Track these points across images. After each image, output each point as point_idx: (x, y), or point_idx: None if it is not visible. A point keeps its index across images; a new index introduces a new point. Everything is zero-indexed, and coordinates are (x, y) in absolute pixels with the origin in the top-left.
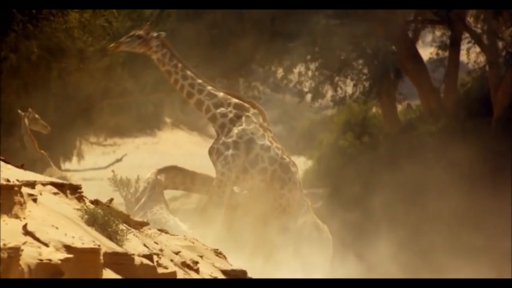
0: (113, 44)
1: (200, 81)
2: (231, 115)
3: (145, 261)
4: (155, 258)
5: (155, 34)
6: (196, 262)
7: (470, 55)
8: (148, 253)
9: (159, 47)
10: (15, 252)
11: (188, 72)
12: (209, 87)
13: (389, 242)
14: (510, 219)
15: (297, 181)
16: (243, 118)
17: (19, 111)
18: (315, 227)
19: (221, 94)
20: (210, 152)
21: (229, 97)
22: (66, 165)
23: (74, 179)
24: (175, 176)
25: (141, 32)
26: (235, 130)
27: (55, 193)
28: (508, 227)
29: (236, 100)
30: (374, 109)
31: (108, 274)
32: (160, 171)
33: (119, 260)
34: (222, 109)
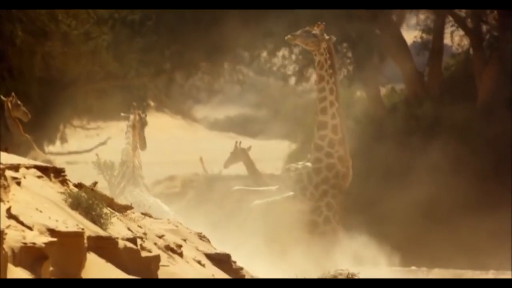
0: (289, 36)
1: (337, 105)
2: (336, 155)
3: (129, 244)
4: (138, 241)
5: (327, 37)
6: (180, 246)
7: (454, 38)
8: (131, 236)
9: (325, 50)
10: None
11: (336, 90)
12: (339, 119)
13: (369, 224)
14: (494, 199)
15: None
16: None
17: (1, 96)
18: None
19: (340, 135)
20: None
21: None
22: (49, 149)
23: (58, 162)
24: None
25: (317, 32)
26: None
27: (39, 177)
28: (494, 207)
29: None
30: (358, 93)
31: (92, 257)
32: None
33: (103, 243)
34: (336, 148)
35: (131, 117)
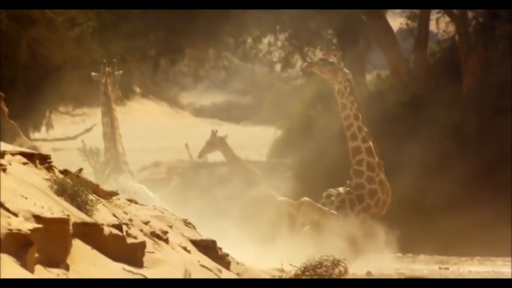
0: (306, 64)
1: (366, 130)
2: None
3: (114, 231)
4: (124, 228)
5: (346, 71)
6: (166, 232)
7: (440, 25)
8: (117, 223)
9: (343, 78)
10: None
11: (360, 116)
12: (370, 142)
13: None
14: (478, 185)
15: None
16: None
17: None
18: None
19: (376, 159)
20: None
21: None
22: (35, 135)
23: (44, 149)
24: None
25: (334, 60)
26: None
27: (24, 163)
28: (478, 193)
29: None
30: None
31: (77, 244)
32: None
33: (89, 230)
34: (376, 172)
35: (103, 79)
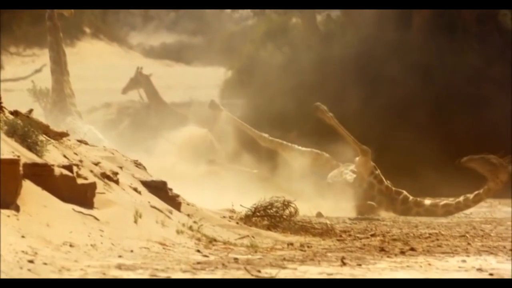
0: (465, 158)
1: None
2: None
3: (65, 172)
4: (74, 169)
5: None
6: (116, 173)
7: None
8: (67, 164)
9: (501, 180)
10: None
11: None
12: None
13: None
14: (428, 135)
15: None
16: None
17: None
18: None
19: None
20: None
21: None
22: None
23: None
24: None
25: (496, 161)
26: None
27: None
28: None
29: None
30: (294, 20)
31: (28, 185)
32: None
33: (39, 171)
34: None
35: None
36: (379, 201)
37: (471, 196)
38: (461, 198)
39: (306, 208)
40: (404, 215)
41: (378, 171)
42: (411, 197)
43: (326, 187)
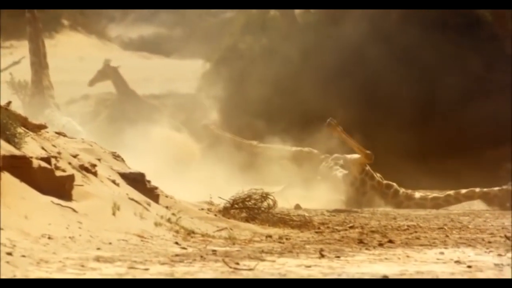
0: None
1: None
2: None
3: (43, 164)
4: (53, 161)
5: None
6: (94, 165)
7: None
8: (46, 156)
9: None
10: None
11: None
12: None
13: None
14: (410, 129)
15: None
16: None
17: None
18: None
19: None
20: None
21: None
22: None
23: None
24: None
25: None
26: None
27: None
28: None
29: None
30: (272, 12)
31: (6, 177)
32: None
33: (17, 163)
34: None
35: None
36: (371, 196)
37: (463, 191)
38: (452, 192)
39: (289, 199)
40: (396, 208)
41: (368, 167)
42: (401, 190)
43: (316, 184)
